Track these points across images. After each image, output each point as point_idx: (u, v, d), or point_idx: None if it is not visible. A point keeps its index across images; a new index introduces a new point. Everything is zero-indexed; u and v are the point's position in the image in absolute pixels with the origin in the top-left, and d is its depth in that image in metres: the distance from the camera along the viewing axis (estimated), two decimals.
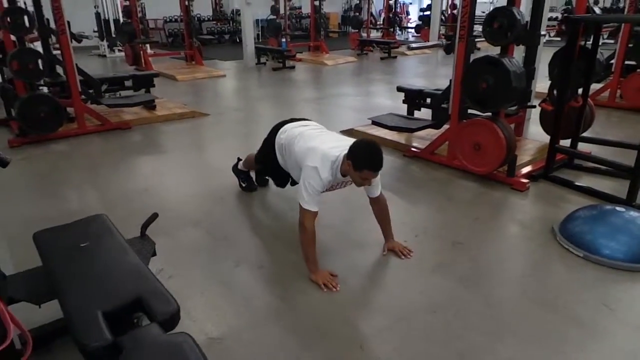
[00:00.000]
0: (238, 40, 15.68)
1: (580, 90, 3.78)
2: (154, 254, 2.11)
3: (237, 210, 3.33)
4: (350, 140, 2.42)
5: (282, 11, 12.35)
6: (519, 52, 4.14)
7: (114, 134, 5.17)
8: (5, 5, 4.62)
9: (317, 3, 11.93)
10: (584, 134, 4.00)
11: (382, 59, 11.89)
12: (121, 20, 11.44)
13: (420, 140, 4.56)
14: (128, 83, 6.22)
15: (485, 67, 3.41)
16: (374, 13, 16.63)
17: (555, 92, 3.68)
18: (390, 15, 14.98)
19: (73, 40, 5.02)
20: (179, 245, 2.77)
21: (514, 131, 3.84)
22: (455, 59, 3.72)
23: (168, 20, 16.01)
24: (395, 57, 12.12)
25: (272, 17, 12.14)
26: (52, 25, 4.96)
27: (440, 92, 4.35)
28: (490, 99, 3.43)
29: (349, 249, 2.72)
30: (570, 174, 3.78)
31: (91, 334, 1.35)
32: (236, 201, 3.43)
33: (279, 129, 2.93)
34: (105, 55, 12.57)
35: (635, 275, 2.44)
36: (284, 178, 3.11)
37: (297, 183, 2.91)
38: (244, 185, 3.53)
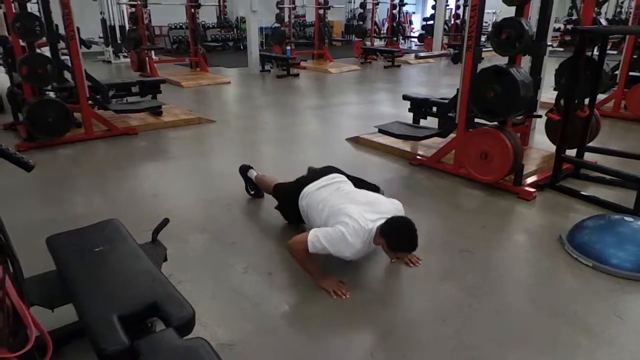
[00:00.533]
0: (242, 48, 15.83)
1: (586, 101, 3.80)
2: (166, 259, 2.12)
3: (245, 216, 3.34)
4: (380, 206, 2.41)
5: (286, 19, 12.44)
6: (524, 62, 4.18)
7: (120, 140, 5.19)
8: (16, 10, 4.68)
9: (321, 12, 12.04)
10: (590, 144, 4.02)
11: (385, 67, 11.96)
12: (127, 26, 11.53)
13: (426, 148, 4.57)
14: (135, 89, 6.26)
15: (493, 76, 3.43)
16: (377, 22, 16.74)
17: (562, 102, 3.69)
18: (394, 24, 15.08)
19: (82, 46, 5.06)
20: (187, 251, 2.78)
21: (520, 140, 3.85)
22: (463, 68, 3.74)
23: (173, 27, 16.13)
24: (399, 65, 12.18)
25: (276, 25, 12.23)
26: (61, 30, 5.00)
27: (446, 100, 4.38)
28: (498, 108, 3.45)
29: None
30: (576, 184, 3.79)
31: (108, 338, 1.35)
32: (243, 207, 3.44)
33: (301, 192, 2.75)
34: (110, 61, 12.64)
35: None
36: (300, 221, 2.93)
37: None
38: (252, 192, 3.52)
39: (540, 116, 4.34)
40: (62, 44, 5.22)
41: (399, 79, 10.56)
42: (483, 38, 3.71)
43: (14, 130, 5.29)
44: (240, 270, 2.59)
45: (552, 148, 3.94)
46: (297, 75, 10.30)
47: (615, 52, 8.90)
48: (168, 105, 6.33)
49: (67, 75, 5.33)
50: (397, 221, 2.28)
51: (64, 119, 4.77)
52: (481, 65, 3.67)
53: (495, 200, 3.56)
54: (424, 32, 16.29)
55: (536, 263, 2.74)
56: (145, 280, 1.65)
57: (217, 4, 17.21)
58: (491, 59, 3.97)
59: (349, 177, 2.90)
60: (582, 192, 3.56)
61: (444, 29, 14.58)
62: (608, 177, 3.71)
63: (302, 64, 11.32)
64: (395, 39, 15.33)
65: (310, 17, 16.30)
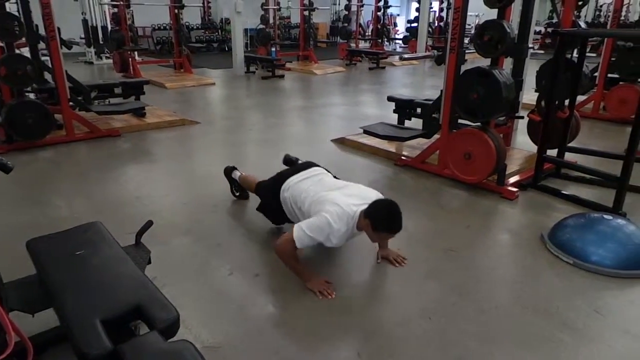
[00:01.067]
0: (227, 49, 15.75)
1: (567, 102, 3.87)
2: (149, 262, 2.09)
3: (230, 218, 3.32)
4: (363, 193, 2.42)
5: (271, 21, 12.42)
6: (506, 64, 4.24)
7: (103, 142, 5.12)
8: None
9: (306, 13, 12.05)
10: (570, 144, 4.09)
11: (370, 69, 12.02)
12: (109, 27, 11.38)
13: (411, 149, 4.61)
14: (117, 90, 6.18)
15: (476, 78, 3.48)
16: (362, 24, 16.82)
17: (543, 103, 3.76)
18: (379, 26, 15.17)
19: (62, 47, 4.98)
20: (172, 253, 2.75)
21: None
22: (446, 70, 3.78)
23: (156, 28, 15.97)
24: (384, 67, 12.25)
25: (261, 26, 12.21)
26: (41, 31, 4.91)
27: (430, 102, 4.42)
28: (481, 109, 3.50)
29: (344, 256, 2.73)
30: (557, 183, 3.86)
31: (91, 342, 1.33)
32: (229, 209, 3.42)
33: (282, 184, 2.73)
34: (92, 62, 12.47)
35: (624, 282, 2.50)
36: (284, 220, 2.91)
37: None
38: (237, 194, 3.51)
39: (522, 117, 4.41)
40: (42, 45, 5.13)
41: (384, 80, 10.62)
42: (466, 40, 3.75)
43: None
44: (225, 272, 2.57)
45: (534, 148, 4.01)
46: (282, 76, 10.29)
47: (594, 54, 9.10)
48: (152, 106, 6.27)
49: (48, 76, 5.24)
50: (382, 202, 2.31)
51: (44, 120, 4.68)
52: (464, 67, 3.71)
53: (478, 200, 3.60)
54: (408, 34, 16.45)
55: (519, 261, 2.79)
56: (129, 283, 1.62)
57: (201, 5, 17.11)
58: (474, 60, 4.03)
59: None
60: (562, 191, 3.63)
61: (428, 31, 14.72)
62: (588, 176, 3.78)
63: (287, 65, 11.32)
64: (380, 40, 15.42)
65: (295, 19, 16.29)
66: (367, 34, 17.09)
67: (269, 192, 2.88)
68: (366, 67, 12.28)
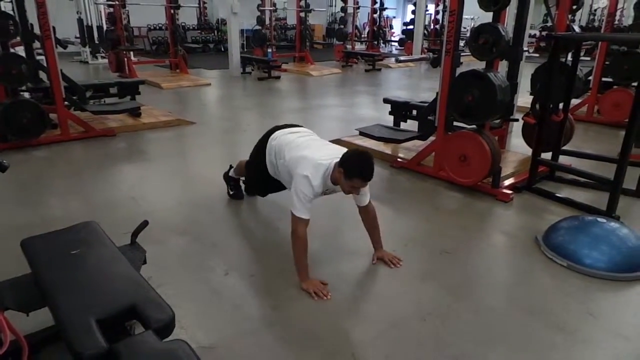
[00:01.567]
0: (223, 50, 15.74)
1: (561, 105, 3.90)
2: (145, 262, 2.09)
3: (226, 218, 3.32)
4: (341, 149, 2.48)
5: (267, 22, 12.43)
6: (501, 67, 4.27)
7: (98, 141, 5.10)
8: None
9: (302, 15, 12.06)
10: (565, 147, 4.12)
11: (366, 71, 12.05)
12: (104, 27, 11.34)
13: (407, 151, 4.63)
14: (113, 90, 6.16)
15: (471, 80, 3.50)
16: (358, 26, 16.86)
17: (537, 106, 3.78)
18: (375, 28, 15.21)
19: (57, 46, 4.96)
20: (167, 254, 2.74)
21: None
22: (442, 73, 3.80)
23: (152, 28, 15.94)
24: (380, 69, 12.29)
25: (257, 27, 12.21)
26: (36, 30, 4.90)
27: (426, 104, 4.44)
28: (476, 111, 3.52)
29: (339, 257, 2.74)
30: (551, 186, 3.88)
31: (86, 341, 1.33)
32: (224, 209, 3.42)
33: (270, 135, 2.94)
34: (87, 62, 12.42)
35: (617, 284, 2.52)
36: (268, 186, 3.13)
37: (279, 190, 2.98)
38: (231, 192, 3.53)
39: (517, 120, 4.43)
40: (37, 44, 5.10)
41: (380, 82, 10.65)
42: (461, 43, 3.77)
43: None
44: (221, 272, 2.57)
45: (529, 151, 4.03)
46: (278, 77, 10.30)
47: (588, 58, 9.17)
48: (147, 106, 6.25)
49: (43, 75, 5.22)
50: (354, 151, 2.38)
51: (39, 120, 4.66)
52: (460, 70, 3.73)
53: (474, 202, 3.62)
54: (404, 36, 16.49)
55: (513, 263, 2.80)
56: (124, 283, 1.62)
57: (197, 5, 17.09)
58: (469, 63, 4.05)
59: None
60: (557, 194, 3.65)
61: (424, 34, 14.76)
62: (582, 179, 3.81)
63: (284, 66, 11.32)
64: (376, 42, 15.46)
65: (292, 20, 16.33)
66: (363, 36, 17.13)
67: (258, 149, 3.01)
68: (362, 69, 12.31)
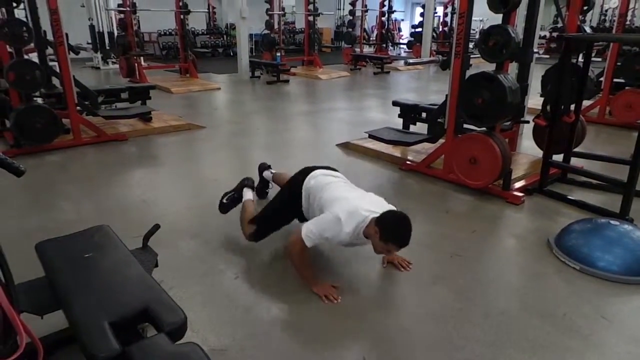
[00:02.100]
0: (232, 54, 15.85)
1: (572, 107, 3.86)
2: (157, 265, 2.11)
3: (236, 221, 3.31)
4: (380, 203, 2.41)
5: (276, 26, 12.49)
6: (511, 69, 4.24)
7: (109, 146, 5.16)
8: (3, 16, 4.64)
9: (311, 18, 12.10)
10: (576, 149, 4.08)
11: (375, 74, 12.05)
12: (115, 32, 11.48)
13: (416, 154, 4.62)
14: (124, 95, 6.23)
15: (481, 82, 3.48)
16: (366, 29, 16.87)
17: (548, 108, 3.76)
18: (383, 31, 15.21)
19: (70, 52, 5.03)
20: (178, 257, 2.76)
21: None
22: (451, 75, 3.79)
23: (162, 33, 16.10)
24: (388, 72, 12.28)
25: (266, 31, 12.27)
26: (49, 37, 4.97)
27: (435, 106, 4.43)
28: (486, 114, 3.50)
29: (350, 261, 2.74)
30: (563, 188, 3.84)
31: (100, 344, 1.34)
32: (234, 213, 3.41)
33: (308, 174, 2.72)
34: (99, 67, 12.57)
35: (631, 288, 2.49)
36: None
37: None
38: (224, 202, 3.20)
39: (527, 122, 4.40)
40: (50, 50, 5.18)
41: (389, 85, 10.64)
42: (471, 45, 3.76)
43: (1, 136, 5.22)
44: (231, 275, 2.58)
45: (539, 153, 4.00)
46: (287, 81, 10.33)
47: (599, 59, 9.08)
48: (158, 111, 6.31)
49: (56, 81, 5.29)
50: (395, 213, 2.29)
51: (52, 125, 4.72)
52: (469, 72, 3.72)
53: (484, 205, 3.59)
54: (412, 39, 16.46)
55: (525, 266, 2.78)
56: (137, 286, 1.64)
57: (206, 10, 17.23)
58: (479, 65, 4.04)
59: None
60: (569, 197, 3.62)
61: (432, 36, 14.73)
62: (594, 181, 3.77)
63: (292, 70, 11.36)
64: (384, 45, 15.46)
65: (300, 24, 16.39)
66: (371, 38, 17.14)
67: (297, 177, 2.80)
68: (371, 72, 12.31)
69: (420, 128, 4.94)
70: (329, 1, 18.02)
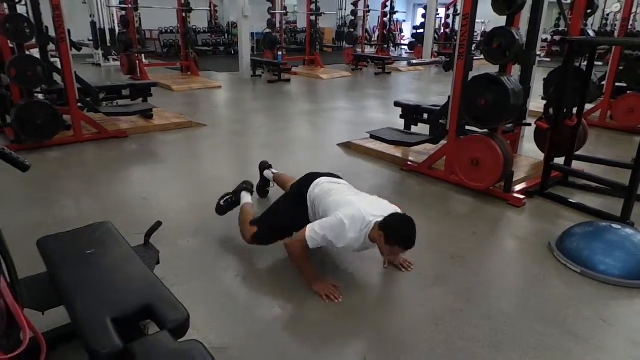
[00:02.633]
0: (233, 53, 15.85)
1: (574, 110, 3.86)
2: (158, 262, 2.10)
3: (237, 220, 3.32)
4: (384, 206, 2.40)
5: (278, 25, 12.48)
6: (513, 72, 4.23)
7: (110, 143, 5.15)
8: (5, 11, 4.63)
9: (312, 18, 12.10)
10: (578, 152, 4.08)
11: (376, 74, 12.04)
12: (117, 29, 11.47)
13: (418, 155, 4.61)
14: (125, 92, 6.22)
15: (484, 84, 3.48)
16: (368, 29, 16.87)
17: (551, 110, 3.76)
18: (385, 32, 15.21)
19: (71, 49, 5.02)
20: (179, 254, 2.76)
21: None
22: (454, 76, 3.79)
23: (164, 31, 16.08)
24: (390, 73, 12.27)
25: (268, 30, 12.27)
26: (51, 32, 4.96)
27: (437, 107, 4.43)
28: (489, 115, 3.50)
29: (351, 260, 2.73)
30: (565, 191, 3.84)
31: (102, 340, 1.34)
32: (236, 211, 3.41)
33: (315, 179, 2.71)
34: (99, 64, 12.55)
35: (632, 292, 2.49)
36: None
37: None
38: (222, 204, 3.14)
39: (529, 124, 4.40)
40: (51, 46, 5.17)
41: (390, 85, 10.64)
42: (473, 47, 3.76)
43: (1, 132, 5.21)
44: (232, 273, 2.58)
45: (541, 156, 4.01)
46: (288, 80, 10.33)
47: (600, 63, 9.08)
48: (159, 108, 6.30)
49: (57, 77, 5.28)
50: (400, 216, 2.29)
51: (53, 121, 4.72)
52: (472, 74, 3.72)
53: (485, 207, 3.59)
54: (414, 40, 16.47)
55: (526, 269, 2.77)
56: (139, 283, 1.63)
57: (208, 8, 17.21)
58: (480, 67, 4.03)
59: None
60: (570, 200, 3.62)
61: (434, 38, 14.74)
62: (595, 185, 3.77)
63: (294, 69, 11.35)
64: (385, 46, 15.46)
65: (302, 23, 16.39)
66: (373, 39, 17.15)
67: (301, 183, 2.79)
68: (372, 72, 12.31)
69: (422, 129, 4.94)
70: (330, 1, 17.99)
